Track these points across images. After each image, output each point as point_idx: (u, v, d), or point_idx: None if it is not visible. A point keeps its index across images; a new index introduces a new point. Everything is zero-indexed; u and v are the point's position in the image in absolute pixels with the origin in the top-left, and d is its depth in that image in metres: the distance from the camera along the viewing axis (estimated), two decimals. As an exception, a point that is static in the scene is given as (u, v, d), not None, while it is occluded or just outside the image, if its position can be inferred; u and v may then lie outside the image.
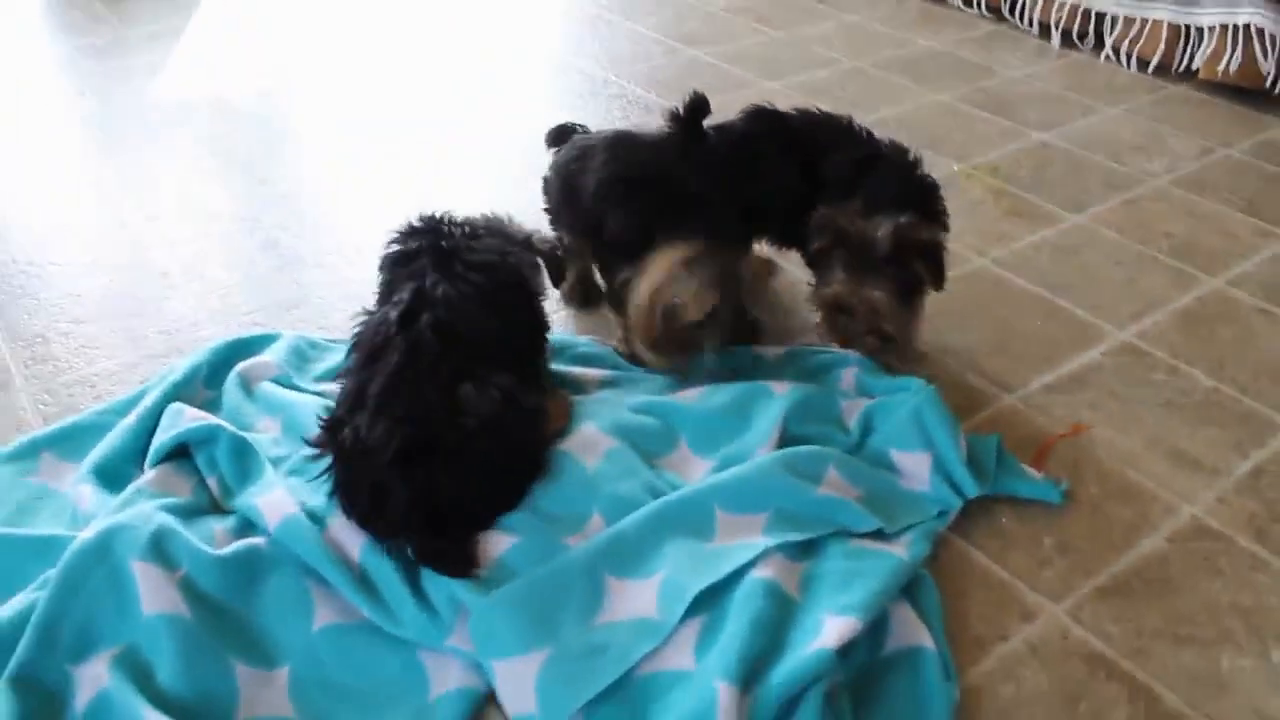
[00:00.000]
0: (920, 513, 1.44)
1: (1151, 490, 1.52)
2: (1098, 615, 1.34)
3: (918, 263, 1.61)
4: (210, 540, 1.34)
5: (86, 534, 1.31)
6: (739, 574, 1.28)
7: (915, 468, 1.49)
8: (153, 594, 1.26)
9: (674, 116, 1.74)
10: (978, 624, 1.33)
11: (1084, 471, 1.55)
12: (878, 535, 1.39)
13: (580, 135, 1.81)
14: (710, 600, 1.26)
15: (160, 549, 1.30)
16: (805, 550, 1.35)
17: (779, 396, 1.53)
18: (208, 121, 2.58)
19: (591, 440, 1.46)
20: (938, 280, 1.64)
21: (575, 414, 1.53)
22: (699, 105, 1.74)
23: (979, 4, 3.17)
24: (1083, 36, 2.93)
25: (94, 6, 3.40)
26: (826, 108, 1.79)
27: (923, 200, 1.68)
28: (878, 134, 1.77)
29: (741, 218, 1.74)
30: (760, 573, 1.28)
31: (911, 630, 1.27)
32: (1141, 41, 2.79)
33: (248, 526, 1.39)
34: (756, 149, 1.75)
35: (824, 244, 1.64)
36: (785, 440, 1.48)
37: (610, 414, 1.51)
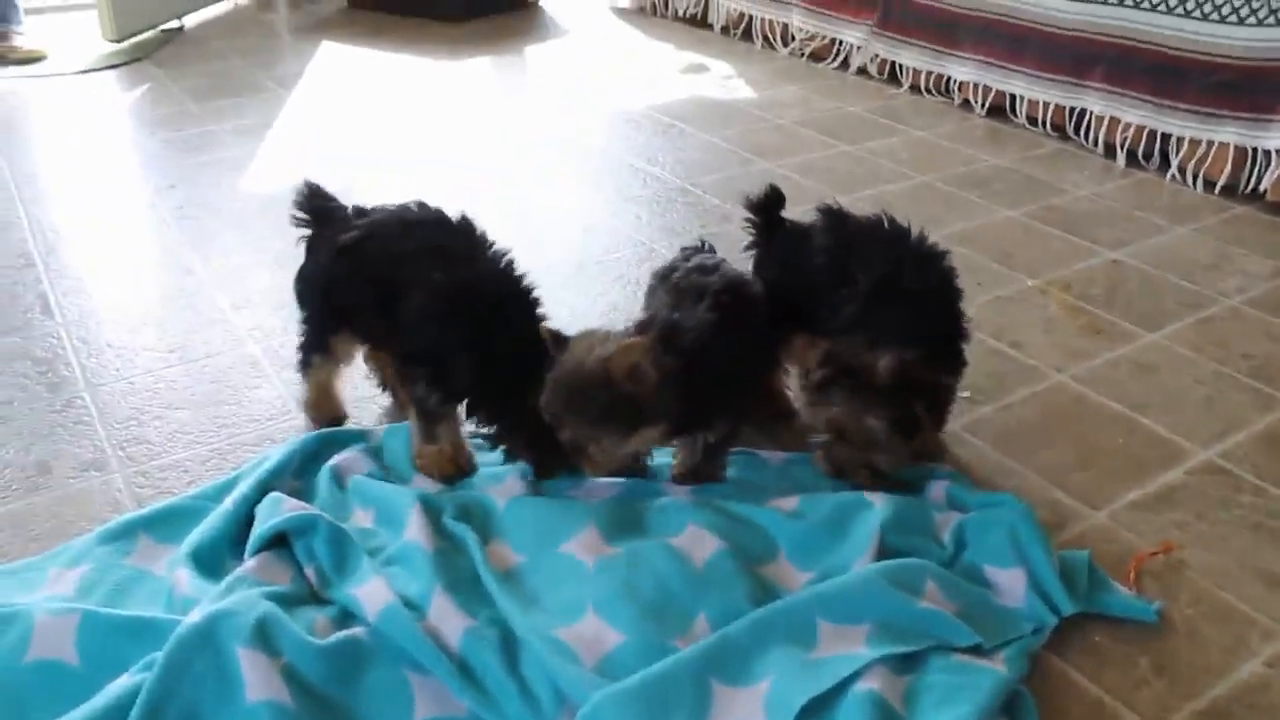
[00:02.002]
0: (1016, 629, 1.43)
1: (1247, 613, 1.51)
2: (1200, 740, 1.32)
3: (918, 402, 1.63)
4: (311, 629, 1.36)
5: (192, 618, 1.32)
6: (844, 685, 1.28)
7: (1010, 584, 1.49)
8: (257, 681, 1.27)
9: (750, 205, 1.81)
10: (1078, 744, 1.31)
11: (1176, 591, 1.54)
12: (976, 650, 1.38)
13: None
14: (816, 711, 1.25)
15: (264, 636, 1.31)
16: (907, 663, 1.34)
17: (876, 509, 1.54)
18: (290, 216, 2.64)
19: (699, 539, 1.47)
20: (937, 422, 1.68)
21: (678, 511, 1.55)
22: (773, 198, 1.81)
23: (1044, 123, 3.24)
24: (1148, 156, 2.98)
25: (183, 102, 3.54)
26: (900, 221, 1.80)
27: (933, 340, 1.67)
28: (951, 250, 1.76)
29: (788, 310, 1.75)
30: (865, 684, 1.27)
31: (1015, 748, 1.26)
32: (1208, 162, 2.84)
33: (347, 616, 1.40)
34: (810, 245, 1.78)
35: (826, 374, 1.66)
36: (882, 553, 1.48)
37: (712, 515, 1.52)
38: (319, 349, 1.84)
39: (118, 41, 4.07)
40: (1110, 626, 1.47)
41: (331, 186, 1.81)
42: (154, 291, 2.34)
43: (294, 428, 1.86)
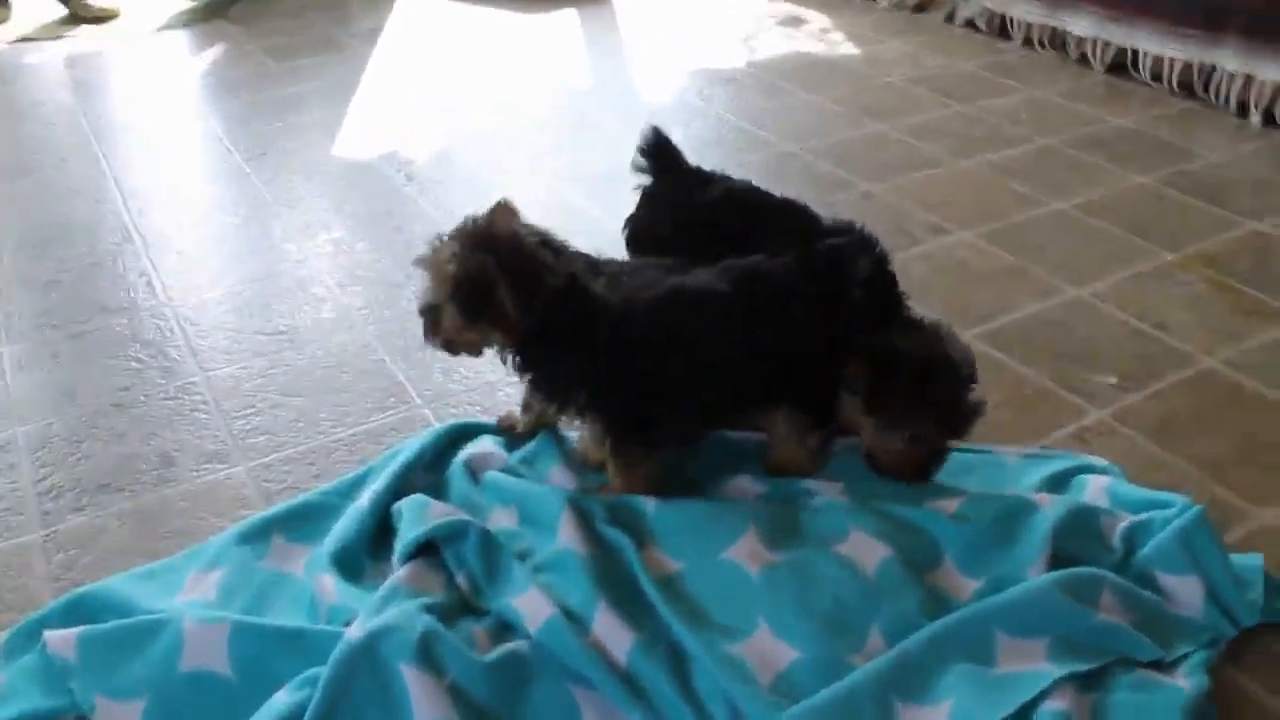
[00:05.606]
0: (1193, 640, 1.36)
1: None
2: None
3: None
4: (471, 642, 1.32)
5: (353, 635, 1.29)
6: (1031, 705, 1.23)
7: (1185, 593, 1.41)
8: (424, 702, 1.24)
9: None
10: (1268, 765, 1.25)
11: (1360, 598, 1.46)
12: (1157, 665, 1.32)
13: None
14: (1004, 731, 1.20)
15: (428, 653, 1.27)
16: (1091, 680, 1.28)
17: (1044, 512, 1.46)
18: (387, 184, 2.57)
19: (865, 545, 1.42)
20: None
21: (836, 513, 1.48)
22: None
23: (1169, 81, 3.05)
24: (1288, 116, 2.81)
25: (263, 61, 3.48)
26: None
27: None
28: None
29: None
30: (1053, 704, 1.23)
31: (1205, 770, 1.20)
32: (1355, 123, 2.67)
33: (505, 628, 1.36)
34: None
35: None
36: (1054, 558, 1.41)
37: (873, 519, 1.46)
38: None
39: (192, -2, 4.00)
40: (1287, 637, 1.40)
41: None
42: (258, 268, 2.28)
43: (420, 417, 1.81)
